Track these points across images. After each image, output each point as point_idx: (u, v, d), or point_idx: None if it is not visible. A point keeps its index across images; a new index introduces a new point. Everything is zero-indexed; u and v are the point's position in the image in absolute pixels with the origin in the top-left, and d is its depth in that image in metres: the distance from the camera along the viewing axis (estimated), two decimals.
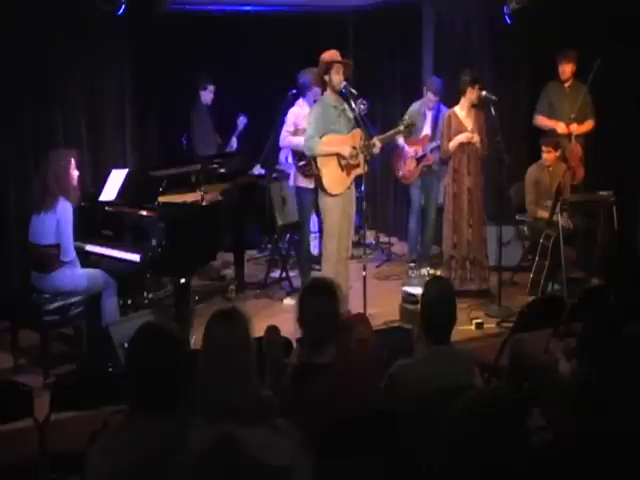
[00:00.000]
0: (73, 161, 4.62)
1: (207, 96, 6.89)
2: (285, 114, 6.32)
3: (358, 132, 5.27)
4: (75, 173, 4.61)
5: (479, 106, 5.83)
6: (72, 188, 4.58)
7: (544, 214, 5.96)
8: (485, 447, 1.77)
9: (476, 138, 5.73)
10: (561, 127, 6.31)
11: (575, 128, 6.26)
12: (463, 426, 1.82)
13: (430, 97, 6.32)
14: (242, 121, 7.11)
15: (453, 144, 5.79)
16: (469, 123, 5.82)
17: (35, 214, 4.55)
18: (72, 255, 4.56)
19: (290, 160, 6.38)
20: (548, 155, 6.07)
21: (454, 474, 1.83)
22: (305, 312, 2.81)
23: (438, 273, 6.14)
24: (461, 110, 5.85)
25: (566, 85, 6.39)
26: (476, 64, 6.76)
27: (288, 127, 6.18)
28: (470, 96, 5.74)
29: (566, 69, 6.31)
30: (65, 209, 4.49)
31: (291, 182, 6.14)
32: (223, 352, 2.34)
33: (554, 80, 6.45)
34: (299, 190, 5.92)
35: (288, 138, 6.17)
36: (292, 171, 6.13)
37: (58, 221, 4.47)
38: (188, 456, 1.90)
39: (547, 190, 6.09)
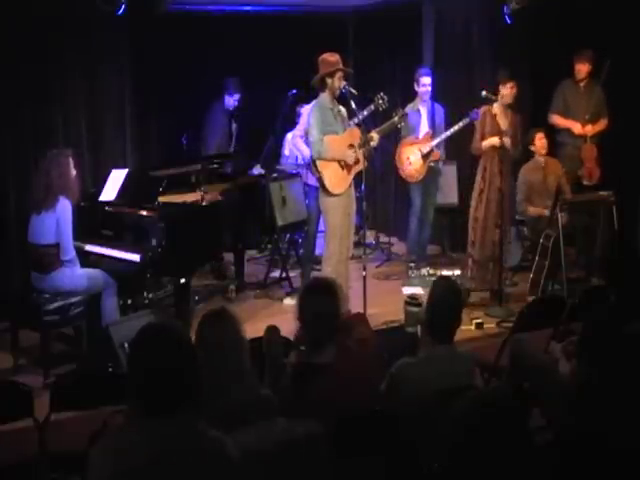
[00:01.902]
0: (71, 160, 4.62)
1: (230, 102, 6.88)
2: (284, 114, 6.33)
3: (355, 130, 5.29)
4: (73, 172, 4.61)
5: (513, 106, 5.76)
6: (72, 187, 4.57)
7: (537, 211, 6.03)
8: (486, 447, 1.77)
9: (507, 141, 5.65)
10: (577, 128, 6.31)
11: (590, 129, 6.26)
12: (464, 426, 1.82)
13: (423, 82, 6.26)
14: (234, 128, 7.12)
15: (486, 144, 5.69)
16: (503, 122, 5.72)
17: (34, 214, 4.54)
18: (72, 254, 4.56)
19: (301, 160, 6.45)
20: (540, 142, 6.07)
21: (455, 474, 1.82)
22: (305, 312, 2.82)
23: (439, 273, 6.13)
24: (497, 108, 5.74)
25: (581, 85, 6.38)
26: (476, 64, 6.77)
27: (301, 126, 6.17)
28: (502, 92, 5.66)
29: (582, 68, 6.30)
30: (65, 208, 4.49)
31: (305, 180, 6.21)
32: (215, 353, 2.35)
33: (568, 79, 6.44)
34: (310, 188, 5.93)
35: (297, 139, 6.17)
36: (305, 171, 6.15)
37: (58, 220, 4.47)
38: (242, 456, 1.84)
39: (541, 188, 6.13)
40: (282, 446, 1.81)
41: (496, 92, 5.68)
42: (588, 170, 6.26)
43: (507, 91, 5.66)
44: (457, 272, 6.10)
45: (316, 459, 1.71)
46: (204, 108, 6.92)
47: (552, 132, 6.50)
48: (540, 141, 6.14)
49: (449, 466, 1.83)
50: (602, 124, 6.34)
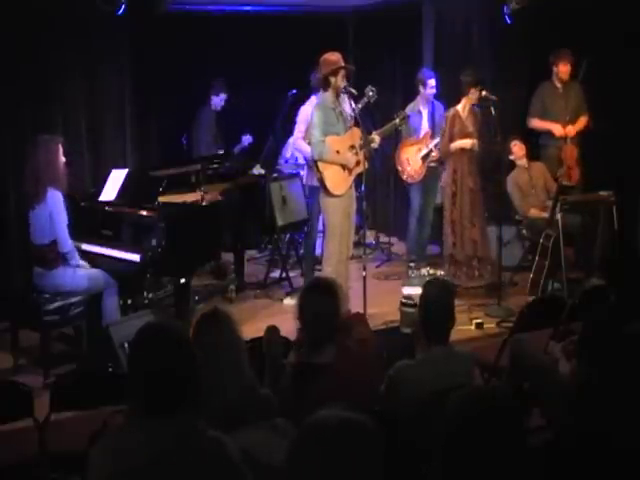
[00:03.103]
0: (61, 147, 4.57)
1: (217, 102, 6.92)
2: (284, 114, 6.32)
3: (356, 131, 5.29)
4: (62, 159, 4.56)
5: (475, 105, 5.84)
6: (61, 175, 4.51)
7: (539, 213, 6.03)
8: (476, 446, 1.77)
9: (476, 143, 5.75)
10: (558, 130, 6.31)
11: (571, 130, 6.27)
12: (453, 424, 1.82)
13: (431, 84, 6.28)
14: (247, 139, 7.12)
15: (455, 146, 5.78)
16: (469, 124, 5.82)
17: (30, 210, 4.52)
18: (69, 246, 4.52)
19: (301, 160, 6.43)
20: (516, 147, 6.20)
21: (447, 474, 1.82)
22: (305, 311, 2.81)
23: (439, 273, 6.14)
24: (462, 111, 5.85)
25: (560, 85, 6.38)
26: (476, 64, 6.77)
27: (300, 127, 6.14)
28: (472, 97, 5.75)
29: (564, 69, 6.30)
30: (55, 198, 4.44)
31: (304, 181, 6.16)
32: (211, 353, 2.35)
33: (547, 81, 6.45)
34: (311, 190, 5.92)
35: (299, 141, 6.12)
36: (305, 171, 6.13)
37: (51, 212, 4.43)
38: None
39: (528, 188, 6.21)
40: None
41: (466, 93, 5.77)
42: (568, 171, 6.27)
43: (475, 96, 5.73)
44: (441, 272, 6.14)
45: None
46: (196, 109, 6.96)
47: (532, 136, 6.52)
48: (516, 147, 6.23)
49: (441, 466, 1.83)
50: (582, 122, 6.33)
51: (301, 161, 6.53)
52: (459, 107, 5.85)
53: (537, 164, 6.34)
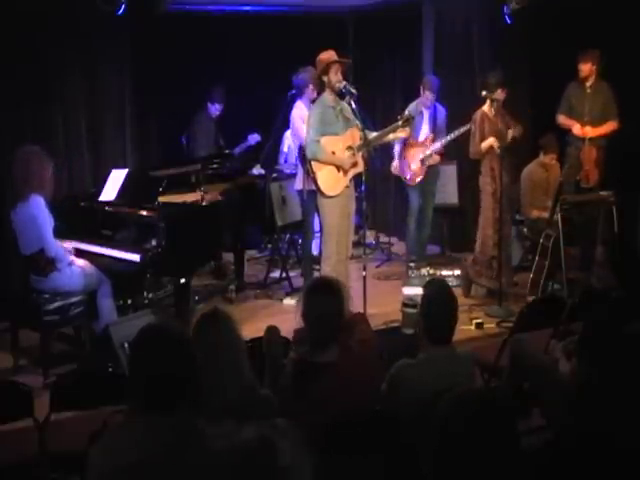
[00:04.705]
0: (42, 157, 4.48)
1: (213, 111, 6.93)
2: (284, 114, 6.31)
3: (356, 131, 5.25)
4: (48, 170, 4.48)
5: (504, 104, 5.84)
6: (45, 183, 4.45)
7: (540, 214, 6.03)
8: (469, 446, 1.77)
9: (496, 143, 5.69)
10: (577, 128, 6.28)
11: (589, 131, 6.23)
12: (447, 424, 1.82)
13: (428, 96, 6.30)
14: (254, 138, 7.10)
15: (485, 145, 5.73)
16: (498, 122, 5.77)
17: (13, 215, 4.47)
18: (55, 249, 4.47)
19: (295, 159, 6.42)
20: (551, 161, 6.13)
21: (439, 475, 1.82)
22: (308, 311, 2.81)
23: (439, 273, 6.14)
24: (489, 110, 5.79)
25: (587, 85, 6.31)
26: (476, 64, 6.78)
27: (304, 129, 6.09)
28: (499, 97, 5.72)
29: (583, 68, 6.21)
30: (38, 203, 4.39)
31: (297, 184, 6.11)
32: (211, 354, 2.35)
33: (575, 80, 6.40)
34: (309, 193, 5.89)
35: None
36: (299, 172, 6.10)
37: (35, 218, 4.40)
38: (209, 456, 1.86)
39: (543, 189, 6.16)
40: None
41: (493, 94, 5.71)
42: (585, 172, 6.25)
43: (502, 96, 5.73)
44: (457, 272, 6.12)
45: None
46: (195, 111, 6.96)
47: (561, 133, 6.48)
48: (551, 161, 6.16)
49: (434, 467, 1.83)
50: (610, 126, 6.21)
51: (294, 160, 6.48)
52: (485, 108, 5.79)
53: (555, 166, 6.28)
